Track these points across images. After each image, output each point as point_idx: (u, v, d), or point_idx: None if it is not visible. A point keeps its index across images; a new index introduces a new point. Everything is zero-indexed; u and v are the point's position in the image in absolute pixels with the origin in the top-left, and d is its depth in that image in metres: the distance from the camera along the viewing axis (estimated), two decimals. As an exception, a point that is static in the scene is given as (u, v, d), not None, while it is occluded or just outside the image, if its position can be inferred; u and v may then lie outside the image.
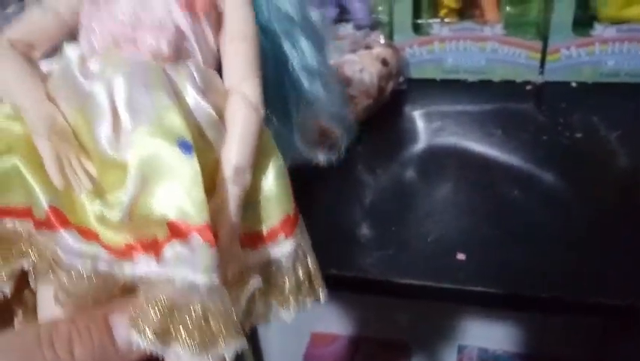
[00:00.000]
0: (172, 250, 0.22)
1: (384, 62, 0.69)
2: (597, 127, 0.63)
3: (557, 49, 0.69)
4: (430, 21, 0.73)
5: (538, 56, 0.71)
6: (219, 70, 0.28)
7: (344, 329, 1.05)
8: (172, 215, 0.22)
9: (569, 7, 0.67)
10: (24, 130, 0.25)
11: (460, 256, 0.47)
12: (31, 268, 0.24)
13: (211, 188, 0.24)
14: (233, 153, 0.25)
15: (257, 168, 0.26)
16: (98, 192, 0.24)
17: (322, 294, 0.28)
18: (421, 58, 0.74)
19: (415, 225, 0.52)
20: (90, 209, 0.23)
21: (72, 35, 0.28)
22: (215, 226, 0.23)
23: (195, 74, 0.26)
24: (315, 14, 0.31)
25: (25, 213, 0.24)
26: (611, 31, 0.68)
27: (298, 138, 0.33)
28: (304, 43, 0.30)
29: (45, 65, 0.27)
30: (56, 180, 0.23)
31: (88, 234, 0.23)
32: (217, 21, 0.27)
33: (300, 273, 0.27)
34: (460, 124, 0.66)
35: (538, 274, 0.45)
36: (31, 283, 0.24)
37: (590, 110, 0.65)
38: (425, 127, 0.67)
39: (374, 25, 0.76)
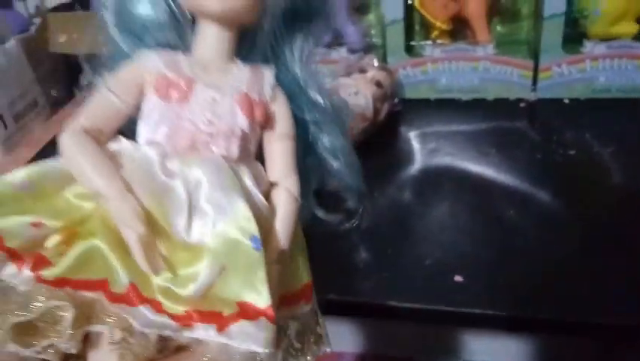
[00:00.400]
0: (239, 327, 0.26)
1: (379, 85, 0.70)
2: (590, 144, 0.63)
3: (549, 67, 0.70)
4: (423, 43, 0.75)
5: (530, 74, 0.72)
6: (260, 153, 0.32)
7: (349, 346, 1.05)
8: (243, 298, 0.26)
9: (559, 25, 0.68)
10: (95, 208, 0.28)
11: (458, 278, 0.48)
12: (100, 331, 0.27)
13: None
14: (280, 238, 0.30)
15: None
16: (169, 268, 0.27)
17: (329, 344, 0.32)
18: (415, 79, 0.75)
19: (412, 247, 0.52)
20: (155, 282, 0.27)
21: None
22: None
23: (251, 170, 0.30)
24: (338, 99, 0.35)
25: (101, 286, 0.27)
26: (601, 48, 0.69)
27: (316, 206, 0.37)
28: (330, 129, 0.34)
29: (111, 147, 0.30)
30: (144, 266, 0.27)
31: (156, 305, 0.26)
32: (265, 120, 0.31)
33: (313, 329, 0.31)
34: (455, 144, 0.67)
35: (534, 296, 0.45)
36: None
37: (582, 126, 0.66)
38: (421, 148, 0.67)
39: (367, 49, 0.77)
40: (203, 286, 0.26)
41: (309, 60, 0.33)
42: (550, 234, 0.51)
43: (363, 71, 0.71)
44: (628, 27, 0.68)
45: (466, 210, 0.56)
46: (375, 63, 0.73)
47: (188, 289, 0.26)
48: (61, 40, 0.83)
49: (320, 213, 0.37)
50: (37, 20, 0.92)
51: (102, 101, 0.30)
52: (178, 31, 0.31)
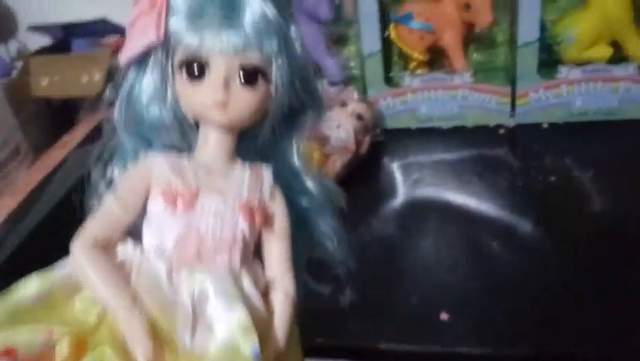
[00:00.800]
0: None
1: (360, 117, 0.71)
2: (570, 168, 0.64)
3: (526, 92, 0.71)
4: (401, 74, 0.76)
5: (508, 100, 0.73)
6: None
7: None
8: None
9: (533, 52, 0.69)
10: (103, 315, 0.30)
11: (444, 316, 0.48)
12: None
13: None
14: (279, 340, 0.31)
15: None
16: None
17: None
18: (395, 109, 0.76)
19: (398, 285, 0.53)
20: None
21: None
22: None
23: (251, 272, 0.31)
24: (330, 183, 0.36)
25: None
26: (576, 73, 0.70)
27: (309, 278, 0.38)
28: (324, 213, 0.35)
29: (119, 255, 0.31)
30: None
31: None
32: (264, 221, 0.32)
33: None
34: (438, 173, 0.68)
35: (520, 331, 0.46)
36: None
37: (562, 151, 0.67)
38: (404, 180, 0.68)
39: (347, 81, 0.78)
40: None
41: (302, 149, 0.35)
42: (534, 266, 0.52)
43: (343, 104, 0.72)
44: (602, 51, 0.69)
45: (450, 244, 0.57)
46: (355, 96, 0.73)
47: None
48: (44, 84, 0.84)
49: (312, 284, 0.38)
50: (20, 64, 0.92)
51: (111, 211, 0.31)
52: (182, 133, 0.33)
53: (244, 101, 0.30)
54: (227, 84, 0.30)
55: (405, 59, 0.77)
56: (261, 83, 0.30)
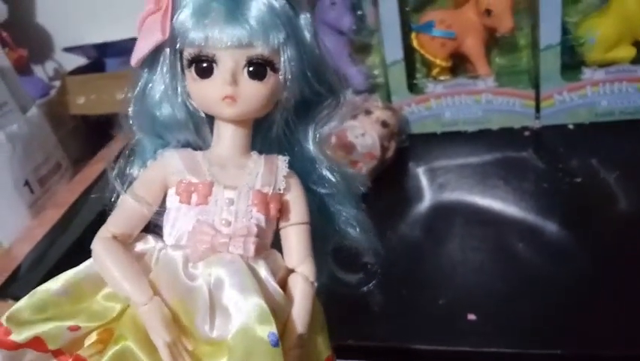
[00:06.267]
0: None
1: (385, 124, 0.73)
2: (596, 169, 0.64)
3: (550, 95, 0.72)
4: (424, 80, 0.77)
5: (533, 103, 0.73)
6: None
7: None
8: None
9: (555, 55, 0.69)
10: (122, 308, 0.31)
11: (471, 317, 0.49)
12: None
13: None
14: (299, 324, 0.31)
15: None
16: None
17: None
18: (420, 115, 0.77)
19: (426, 287, 0.54)
20: None
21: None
22: None
23: (269, 262, 0.31)
24: (350, 171, 0.37)
25: None
26: (600, 74, 0.70)
27: (335, 266, 0.38)
28: (343, 201, 0.36)
29: (138, 247, 0.32)
30: None
31: None
32: (279, 211, 0.33)
33: None
34: (463, 178, 0.68)
35: (547, 331, 0.46)
36: None
37: (588, 151, 0.67)
38: (430, 184, 0.69)
39: (371, 89, 0.79)
40: None
41: (321, 139, 0.35)
42: (560, 267, 0.52)
43: (368, 112, 0.74)
44: (625, 51, 0.69)
45: (476, 246, 0.57)
46: (380, 103, 0.75)
47: None
48: (80, 102, 0.88)
49: (339, 273, 0.39)
50: (57, 83, 0.96)
51: (128, 207, 0.32)
52: (195, 129, 0.33)
53: (253, 94, 0.30)
54: (234, 78, 0.30)
55: (427, 65, 0.78)
56: (270, 74, 0.30)
